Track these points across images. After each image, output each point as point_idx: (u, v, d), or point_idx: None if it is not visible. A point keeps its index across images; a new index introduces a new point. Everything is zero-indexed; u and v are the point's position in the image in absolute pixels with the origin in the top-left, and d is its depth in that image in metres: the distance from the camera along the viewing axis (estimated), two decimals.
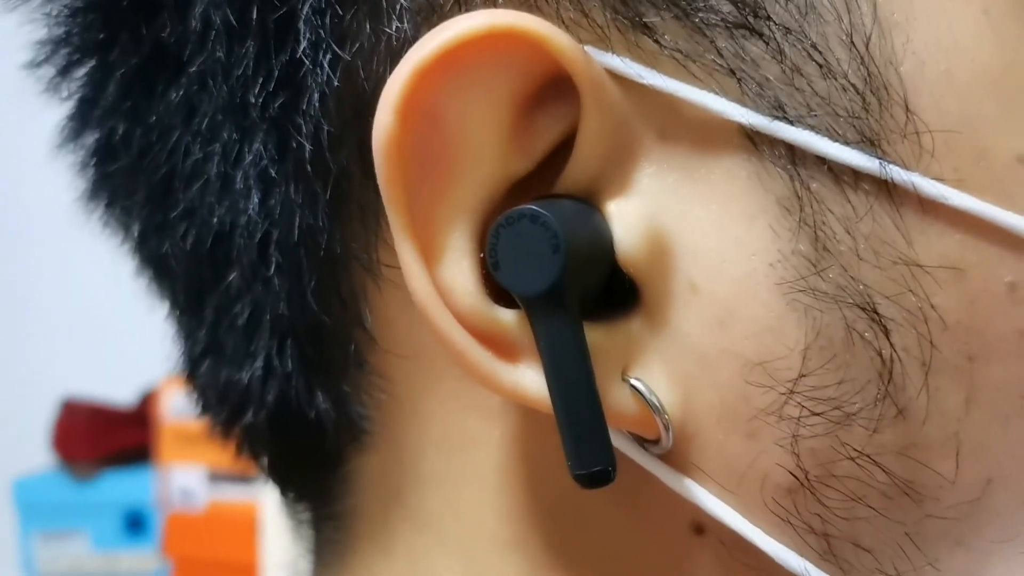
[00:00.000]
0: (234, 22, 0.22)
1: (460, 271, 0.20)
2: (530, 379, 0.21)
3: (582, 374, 0.20)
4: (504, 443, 0.23)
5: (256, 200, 0.23)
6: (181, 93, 0.23)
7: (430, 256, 0.20)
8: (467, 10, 0.20)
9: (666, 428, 0.20)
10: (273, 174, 0.22)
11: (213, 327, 0.25)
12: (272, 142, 0.22)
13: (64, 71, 0.26)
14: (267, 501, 1.11)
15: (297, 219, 0.23)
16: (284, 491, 0.28)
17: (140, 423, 1.39)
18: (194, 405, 0.28)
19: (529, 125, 0.20)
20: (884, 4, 0.20)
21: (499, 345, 0.21)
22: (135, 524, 1.38)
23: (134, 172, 0.25)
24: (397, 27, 0.21)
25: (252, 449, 0.27)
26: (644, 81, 0.20)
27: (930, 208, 0.19)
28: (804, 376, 0.20)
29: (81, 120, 0.26)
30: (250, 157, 0.22)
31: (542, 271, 0.19)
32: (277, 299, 0.23)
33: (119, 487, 1.37)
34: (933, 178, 0.19)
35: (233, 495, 1.34)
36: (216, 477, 1.36)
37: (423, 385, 0.23)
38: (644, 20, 0.20)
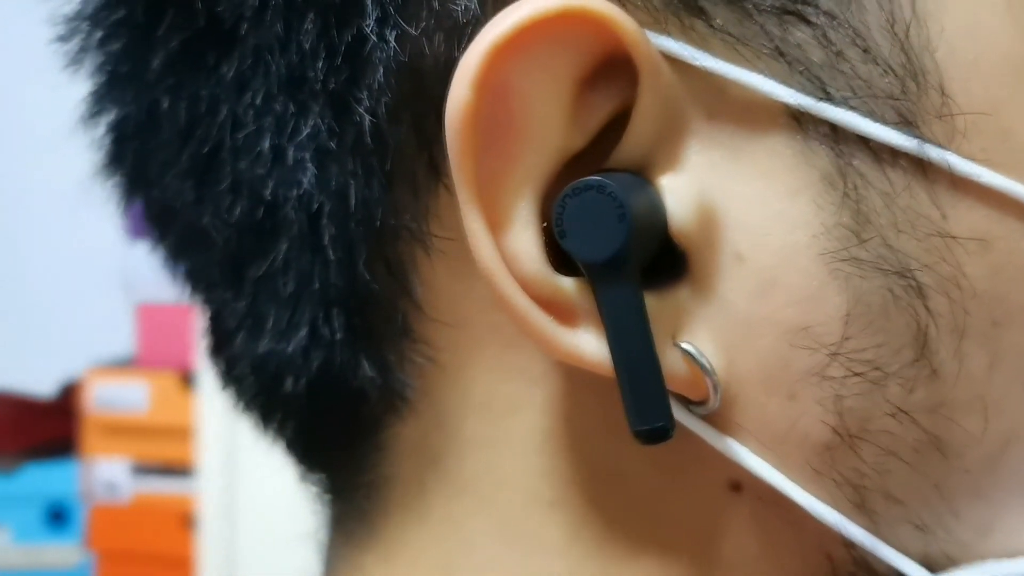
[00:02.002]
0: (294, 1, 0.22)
1: (525, 239, 0.21)
2: (587, 343, 0.22)
3: (643, 336, 0.21)
4: (546, 407, 0.24)
5: (311, 173, 0.23)
6: (234, 67, 0.24)
7: (496, 225, 0.21)
8: None
9: (715, 389, 0.22)
10: (332, 147, 0.23)
11: (254, 298, 0.25)
12: (330, 115, 0.23)
13: (98, 44, 0.26)
14: (206, 493, 1.10)
15: (352, 191, 0.23)
16: (309, 463, 0.29)
17: (62, 415, 1.36)
18: (220, 379, 0.29)
19: (586, 101, 0.22)
20: None
21: (559, 310, 0.22)
22: (57, 517, 1.34)
23: (178, 145, 0.25)
24: (466, 5, 0.21)
25: (281, 421, 0.28)
26: (696, 63, 0.21)
27: (961, 184, 0.21)
28: (846, 339, 0.21)
29: (113, 93, 0.27)
30: (307, 131, 0.23)
31: (608, 239, 0.20)
32: (327, 269, 0.24)
33: (41, 480, 1.34)
34: (964, 157, 0.21)
35: (159, 487, 1.32)
36: (141, 469, 1.34)
37: (467, 352, 0.24)
38: (698, 3, 0.21)
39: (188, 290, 0.29)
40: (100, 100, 0.27)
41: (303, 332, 0.25)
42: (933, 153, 0.21)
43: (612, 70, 0.21)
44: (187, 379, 1.27)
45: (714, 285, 0.22)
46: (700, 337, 0.22)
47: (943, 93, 0.21)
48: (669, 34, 0.21)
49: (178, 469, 1.29)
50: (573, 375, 0.23)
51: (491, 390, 0.24)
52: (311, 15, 0.23)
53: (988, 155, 0.21)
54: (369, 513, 0.27)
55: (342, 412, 0.26)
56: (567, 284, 0.22)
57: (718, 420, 0.22)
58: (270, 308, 0.25)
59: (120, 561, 1.29)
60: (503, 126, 0.21)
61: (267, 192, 0.24)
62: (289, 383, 0.25)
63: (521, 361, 0.24)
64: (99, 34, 0.26)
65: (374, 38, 0.22)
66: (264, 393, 0.27)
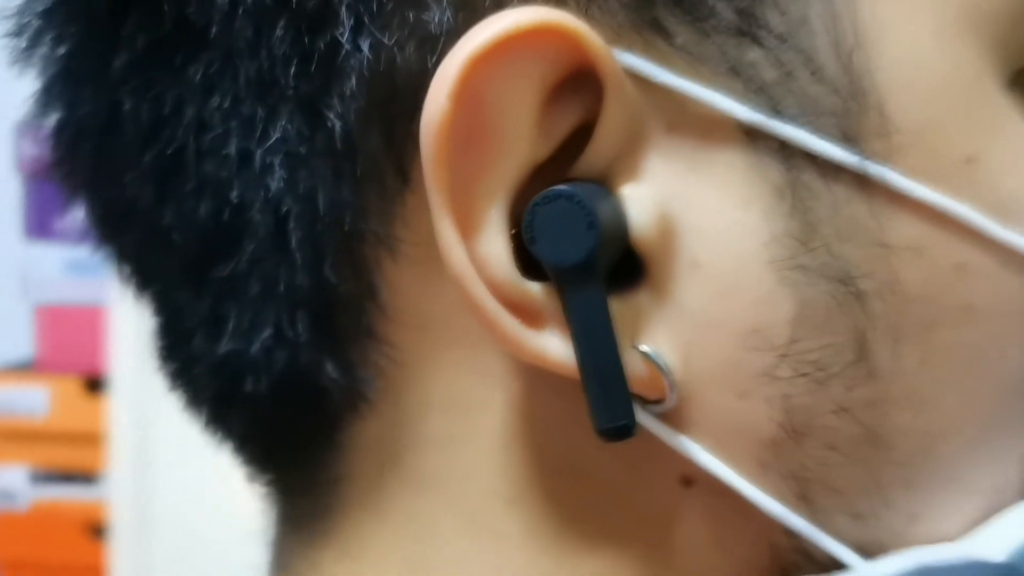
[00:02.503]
0: (267, 2, 0.23)
1: (496, 244, 0.22)
2: (552, 345, 0.23)
3: (609, 339, 0.22)
4: (507, 406, 0.25)
5: (280, 176, 0.24)
6: (202, 70, 0.24)
7: (467, 230, 0.22)
8: (503, 3, 0.22)
9: (672, 389, 0.23)
10: (301, 151, 0.23)
11: (217, 299, 0.26)
12: (301, 120, 0.23)
13: (52, 41, 0.26)
14: (117, 501, 1.08)
15: (321, 195, 0.24)
16: (262, 463, 0.29)
17: None
18: (171, 380, 0.29)
19: (551, 113, 0.23)
20: (862, 22, 0.23)
21: (525, 313, 0.23)
22: None
23: (140, 146, 0.25)
24: (438, 17, 0.22)
25: (237, 422, 0.28)
26: (657, 79, 0.22)
27: (896, 198, 0.23)
28: (794, 342, 0.23)
29: (67, 92, 0.27)
30: (276, 135, 0.24)
31: (577, 245, 0.22)
32: (293, 271, 0.24)
33: None
34: (900, 172, 0.23)
35: (59, 495, 1.28)
36: (39, 477, 1.30)
37: (430, 354, 0.25)
38: (660, 23, 0.22)
39: (138, 291, 0.29)
40: (50, 98, 0.27)
41: (267, 333, 0.25)
42: (872, 169, 0.23)
43: (576, 83, 0.23)
44: (93, 384, 1.24)
45: (671, 290, 0.23)
46: (658, 339, 0.23)
47: (882, 113, 0.23)
48: (632, 50, 0.23)
49: (82, 476, 1.25)
50: (533, 376, 0.24)
51: (453, 390, 0.25)
52: (282, 21, 0.23)
53: (920, 171, 0.23)
54: (325, 511, 0.27)
55: (302, 411, 0.26)
56: (534, 288, 0.23)
57: (672, 418, 0.24)
58: (232, 309, 0.25)
59: (19, 570, 1.25)
60: (476, 135, 0.22)
61: (233, 195, 0.24)
62: (250, 383, 0.26)
63: (484, 362, 0.25)
64: (53, 31, 0.26)
65: (348, 46, 0.23)
66: (222, 394, 0.27)
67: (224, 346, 0.26)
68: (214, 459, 0.30)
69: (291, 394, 0.26)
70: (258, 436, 0.28)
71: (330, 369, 0.25)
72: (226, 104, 0.24)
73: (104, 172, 0.27)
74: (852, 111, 0.23)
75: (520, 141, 0.22)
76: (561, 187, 0.22)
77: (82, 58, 0.26)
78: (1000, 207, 0.23)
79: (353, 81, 0.23)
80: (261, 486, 0.30)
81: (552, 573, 0.25)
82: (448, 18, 0.22)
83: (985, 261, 0.23)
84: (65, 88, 0.27)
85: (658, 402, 0.23)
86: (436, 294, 0.24)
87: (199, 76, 0.24)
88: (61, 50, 0.26)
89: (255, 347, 0.25)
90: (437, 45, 0.22)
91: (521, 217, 0.22)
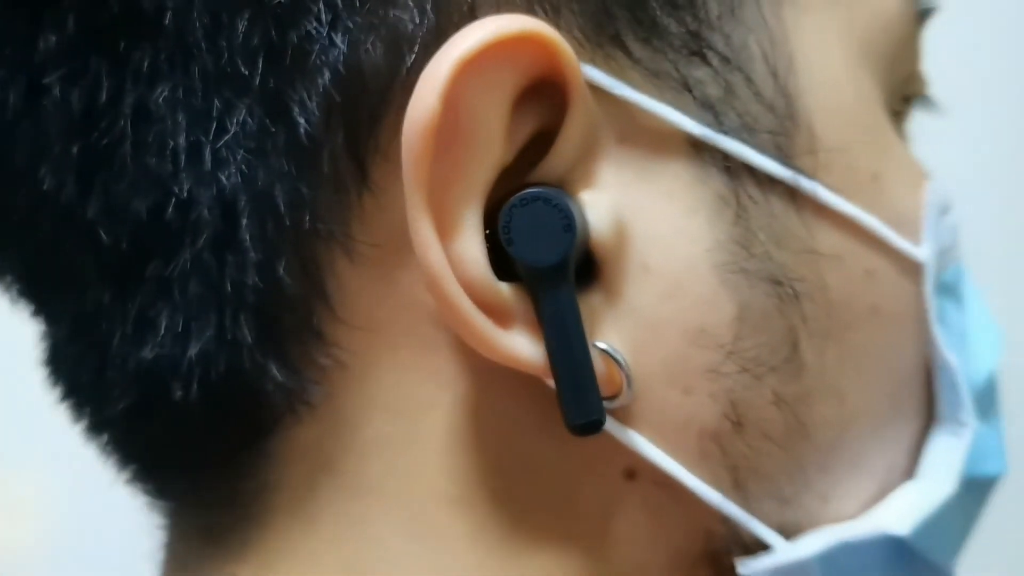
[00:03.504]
0: None
1: (472, 245, 0.22)
2: (520, 344, 0.23)
3: (580, 337, 0.23)
4: (455, 407, 0.25)
5: (236, 171, 0.23)
6: (148, 57, 0.23)
7: (444, 231, 0.22)
8: (475, 8, 0.23)
9: (629, 385, 0.24)
10: (261, 147, 0.23)
11: (147, 300, 0.24)
12: (262, 114, 0.23)
13: None
14: None
15: (279, 192, 0.23)
16: (168, 477, 0.28)
17: None
18: (65, 390, 0.27)
19: (516, 119, 0.23)
20: (793, 50, 0.25)
21: (496, 313, 0.23)
22: None
23: (65, 135, 0.23)
24: (414, 16, 0.22)
25: (150, 434, 0.26)
26: (614, 91, 0.24)
27: (822, 210, 0.25)
28: (737, 340, 0.24)
29: None
30: (234, 129, 0.23)
31: (554, 246, 0.22)
32: (243, 270, 0.24)
33: None
34: (825, 187, 0.25)
35: None
36: None
37: (377, 355, 0.25)
38: (621, 38, 0.24)
39: (28, 295, 0.27)
40: None
41: (208, 335, 0.24)
42: (803, 183, 0.25)
43: (538, 91, 0.23)
44: None
45: (623, 291, 0.24)
46: (611, 338, 0.24)
47: (811, 133, 0.25)
48: (594, 63, 0.24)
49: None
50: (484, 377, 0.25)
51: (399, 392, 0.25)
52: (247, 13, 0.22)
53: (840, 186, 0.25)
54: (244, 522, 0.26)
55: (234, 418, 0.25)
56: (504, 289, 0.23)
57: (619, 413, 0.25)
58: (164, 310, 0.24)
59: None
60: (455, 136, 0.22)
61: (178, 189, 0.23)
62: (179, 389, 0.25)
63: (434, 364, 0.25)
64: None
65: (323, 41, 0.22)
66: (141, 403, 0.25)
67: (150, 351, 0.24)
68: None
69: (225, 400, 0.25)
70: (174, 448, 0.27)
71: (274, 372, 0.24)
72: (177, 95, 0.23)
73: (9, 160, 0.25)
74: (787, 130, 0.25)
75: (494, 144, 0.23)
76: (538, 189, 0.22)
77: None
78: (897, 220, 0.26)
79: (326, 77, 0.22)
80: (164, 501, 0.29)
81: (497, 571, 0.25)
82: (426, 19, 0.22)
83: (888, 268, 0.26)
84: None
85: (611, 398, 0.24)
86: (386, 296, 0.24)
87: (146, 63, 0.23)
88: None
89: (191, 351, 0.24)
90: (412, 45, 0.22)
91: (488, 219, 0.23)
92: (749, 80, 0.25)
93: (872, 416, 0.27)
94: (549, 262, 0.22)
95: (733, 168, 0.24)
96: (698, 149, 0.24)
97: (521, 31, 0.22)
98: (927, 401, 0.28)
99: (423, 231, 0.22)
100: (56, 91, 0.23)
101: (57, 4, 0.23)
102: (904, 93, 0.29)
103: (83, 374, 0.26)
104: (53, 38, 0.23)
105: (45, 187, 0.24)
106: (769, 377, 0.25)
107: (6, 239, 0.27)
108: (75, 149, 0.24)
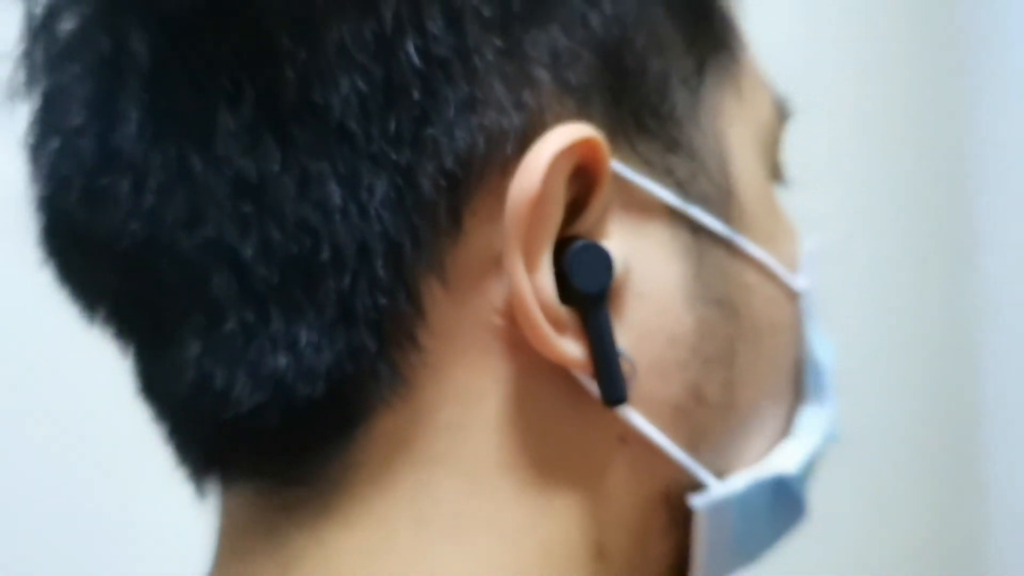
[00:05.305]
0: (381, 100, 0.31)
1: (546, 277, 0.33)
2: (570, 347, 0.33)
3: (613, 342, 0.33)
4: (505, 395, 0.35)
5: (377, 224, 0.32)
6: (312, 136, 0.31)
7: (529, 268, 0.32)
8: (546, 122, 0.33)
9: (634, 375, 0.35)
10: (399, 207, 0.32)
11: (293, 319, 0.32)
12: (400, 183, 0.32)
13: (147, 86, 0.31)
14: None
15: (407, 239, 0.32)
16: (256, 465, 0.35)
17: None
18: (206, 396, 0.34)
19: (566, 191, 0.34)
20: (728, 148, 0.37)
21: (557, 325, 0.33)
22: None
23: (234, 192, 0.31)
24: (513, 123, 0.32)
25: (260, 430, 0.33)
26: (624, 175, 0.35)
27: (747, 256, 0.37)
28: (698, 343, 0.36)
29: (167, 138, 0.32)
30: (378, 193, 0.31)
31: (601, 279, 0.33)
32: (374, 296, 0.32)
33: None
34: (749, 241, 0.37)
35: None
36: None
37: (453, 357, 0.34)
38: (631, 137, 0.35)
39: (122, 323, 0.35)
40: (155, 141, 0.32)
41: (339, 347, 0.32)
42: (736, 238, 0.37)
43: (577, 172, 0.34)
44: None
45: (624, 311, 0.35)
46: (619, 343, 0.35)
47: (740, 204, 0.37)
48: (614, 155, 0.34)
49: None
50: (526, 373, 0.35)
51: (466, 385, 0.34)
52: (395, 115, 0.31)
53: (757, 240, 0.38)
54: (325, 495, 0.34)
55: (337, 411, 0.33)
56: (562, 308, 0.33)
57: None
58: (302, 327, 0.32)
59: None
60: (541, 204, 0.32)
61: (331, 237, 0.32)
62: (306, 390, 0.32)
63: (491, 363, 0.34)
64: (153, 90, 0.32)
65: (449, 136, 0.32)
66: (272, 401, 0.33)
67: (284, 359, 0.32)
68: None
69: (339, 397, 0.33)
70: (282, 437, 0.34)
71: (385, 373, 0.33)
72: (337, 167, 0.31)
73: (192, 213, 0.32)
74: (727, 202, 0.37)
75: (558, 208, 0.33)
76: (589, 241, 0.33)
77: (182, 108, 0.31)
78: (785, 262, 0.39)
79: (449, 160, 0.32)
80: (250, 482, 0.36)
81: (531, 513, 0.35)
82: (516, 124, 0.32)
83: (780, 297, 0.39)
84: (162, 131, 0.32)
85: None
86: (462, 312, 0.34)
87: (311, 141, 0.31)
88: (154, 94, 0.32)
89: (325, 359, 0.32)
90: (505, 141, 0.32)
91: (553, 259, 0.33)
92: (705, 167, 0.36)
93: (771, 395, 0.40)
94: (596, 289, 0.33)
95: (695, 228, 0.36)
96: (673, 214, 0.36)
97: (586, 137, 0.33)
98: (799, 384, 0.41)
99: (518, 268, 0.32)
100: (239, 161, 0.31)
101: (238, 97, 0.31)
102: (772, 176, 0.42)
103: (209, 385, 0.33)
104: (235, 118, 0.31)
105: (207, 233, 0.32)
106: (718, 368, 0.37)
107: (117, 278, 0.34)
108: (246, 206, 0.31)
